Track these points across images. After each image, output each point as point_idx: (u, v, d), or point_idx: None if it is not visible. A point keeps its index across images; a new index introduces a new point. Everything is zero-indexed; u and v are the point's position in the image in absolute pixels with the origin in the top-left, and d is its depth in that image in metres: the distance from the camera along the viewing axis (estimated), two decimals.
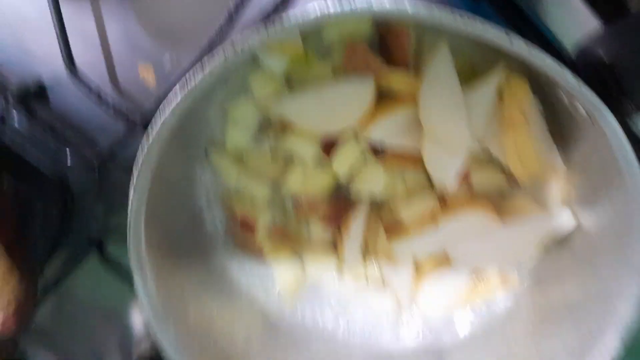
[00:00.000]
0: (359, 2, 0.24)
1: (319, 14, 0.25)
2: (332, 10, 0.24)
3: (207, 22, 0.38)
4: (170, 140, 0.31)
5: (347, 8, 0.24)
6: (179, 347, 0.34)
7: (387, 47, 0.35)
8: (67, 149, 0.44)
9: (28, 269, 0.44)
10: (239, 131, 0.38)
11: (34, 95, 0.43)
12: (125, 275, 0.50)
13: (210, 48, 0.36)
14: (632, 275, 0.31)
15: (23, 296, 0.40)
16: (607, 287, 0.33)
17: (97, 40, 0.41)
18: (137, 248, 0.32)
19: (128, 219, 0.31)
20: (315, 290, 0.44)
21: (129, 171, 0.45)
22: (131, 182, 0.31)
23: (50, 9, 0.38)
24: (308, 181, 0.39)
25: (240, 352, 0.38)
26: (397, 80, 0.35)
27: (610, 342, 0.32)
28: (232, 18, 0.36)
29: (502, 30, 0.25)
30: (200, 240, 0.42)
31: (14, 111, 0.42)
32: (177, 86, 0.28)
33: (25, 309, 0.40)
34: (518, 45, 0.26)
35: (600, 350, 0.32)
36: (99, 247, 0.50)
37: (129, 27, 0.41)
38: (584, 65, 0.30)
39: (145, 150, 0.30)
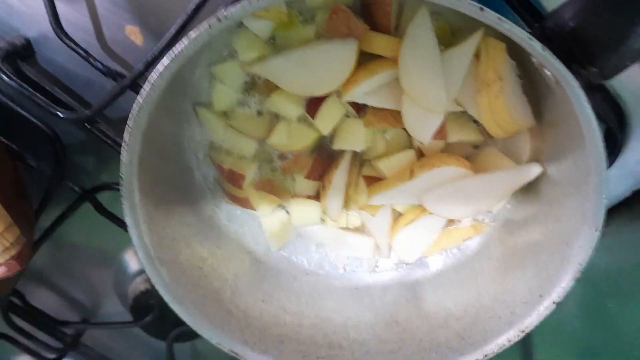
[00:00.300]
0: None
1: None
2: None
3: None
4: (159, 101, 0.32)
5: None
6: (172, 286, 0.37)
7: (369, 10, 0.36)
8: (57, 105, 0.45)
9: (25, 218, 0.46)
10: (225, 91, 0.39)
11: (21, 54, 0.43)
12: (117, 222, 0.53)
13: (196, 11, 0.37)
14: (587, 223, 0.34)
15: (23, 242, 0.42)
16: (567, 233, 0.36)
17: (83, 2, 0.41)
18: (130, 199, 0.35)
19: (120, 173, 0.33)
20: (300, 233, 0.47)
21: (117, 126, 0.47)
22: (123, 141, 0.32)
23: None
24: (292, 137, 0.41)
25: (230, 287, 0.42)
26: (379, 43, 0.36)
27: (566, 281, 0.36)
28: None
29: (472, 1, 0.26)
30: (190, 191, 0.44)
31: (1, 70, 0.42)
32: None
33: (25, 252, 0.42)
34: (488, 15, 0.27)
35: (556, 287, 0.36)
36: (91, 196, 0.52)
37: None
38: (552, 28, 0.32)
39: (136, 112, 0.31)
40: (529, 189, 0.41)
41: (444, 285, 0.45)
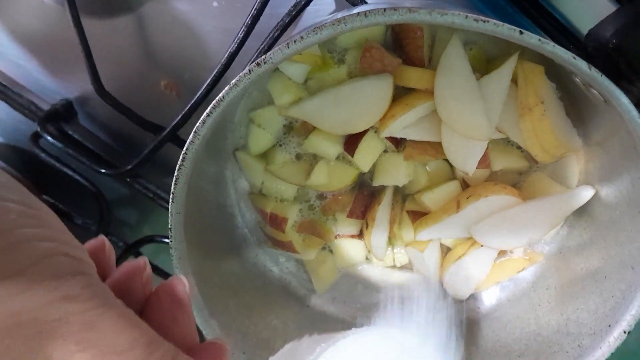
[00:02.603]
0: (374, 13, 0.25)
1: (336, 29, 0.26)
2: (348, 26, 0.25)
3: (226, 37, 0.40)
4: (202, 150, 0.33)
5: (362, 21, 0.25)
6: (223, 338, 0.36)
7: (401, 45, 0.36)
8: (98, 161, 0.46)
9: None
10: (260, 134, 0.40)
11: (64, 116, 0.44)
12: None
13: (230, 61, 0.38)
14: None
15: None
16: (631, 257, 0.34)
17: (121, 59, 0.43)
18: (179, 250, 0.34)
19: (169, 225, 0.33)
20: (346, 274, 0.46)
21: (158, 179, 0.48)
22: (171, 192, 0.32)
23: (76, 34, 0.39)
24: (332, 177, 0.40)
25: (280, 335, 0.41)
26: (413, 76, 0.36)
27: (635, 308, 0.33)
28: (249, 30, 0.37)
29: (511, 25, 0.26)
30: (234, 238, 0.44)
31: (46, 132, 0.44)
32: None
33: None
34: (528, 39, 0.26)
35: (626, 316, 0.34)
36: (135, 250, 0.52)
37: (152, 46, 0.43)
38: (594, 47, 0.31)
39: (181, 162, 0.31)
40: (583, 214, 0.39)
41: (500, 320, 0.43)
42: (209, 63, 0.43)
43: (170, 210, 0.32)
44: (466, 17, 0.25)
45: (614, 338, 0.34)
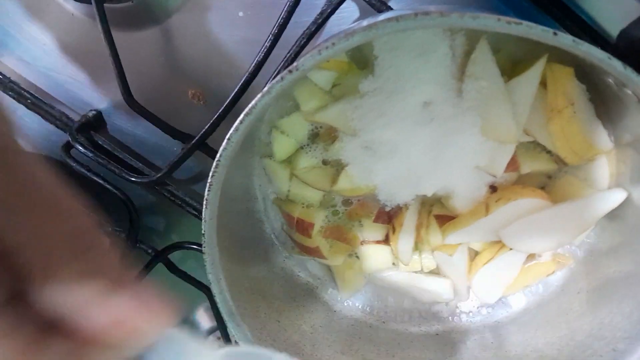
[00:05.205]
0: (405, 18, 0.25)
1: (368, 35, 0.26)
2: (380, 31, 0.26)
3: (252, 46, 0.40)
4: (234, 156, 0.33)
5: (394, 27, 0.25)
6: (254, 341, 0.37)
7: None
8: (128, 170, 0.46)
9: None
10: (284, 141, 0.40)
11: (94, 126, 0.45)
12: (189, 280, 0.53)
13: (257, 69, 0.38)
14: None
15: None
16: None
17: (150, 69, 0.44)
18: (212, 256, 0.35)
19: (202, 231, 0.33)
20: (373, 279, 0.46)
21: (185, 187, 0.48)
22: (205, 198, 0.33)
23: (106, 46, 0.40)
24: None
25: (309, 340, 0.41)
26: None
27: None
28: (276, 39, 0.38)
29: (545, 27, 0.26)
30: (262, 243, 0.44)
31: (77, 141, 0.44)
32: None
33: None
34: (563, 39, 0.26)
35: None
36: (164, 257, 0.53)
37: (180, 56, 0.44)
38: (626, 47, 0.31)
39: (214, 168, 0.32)
40: (614, 216, 0.39)
41: (529, 325, 0.43)
42: (235, 72, 0.44)
43: (203, 216, 0.32)
44: (498, 19, 0.25)
45: None
